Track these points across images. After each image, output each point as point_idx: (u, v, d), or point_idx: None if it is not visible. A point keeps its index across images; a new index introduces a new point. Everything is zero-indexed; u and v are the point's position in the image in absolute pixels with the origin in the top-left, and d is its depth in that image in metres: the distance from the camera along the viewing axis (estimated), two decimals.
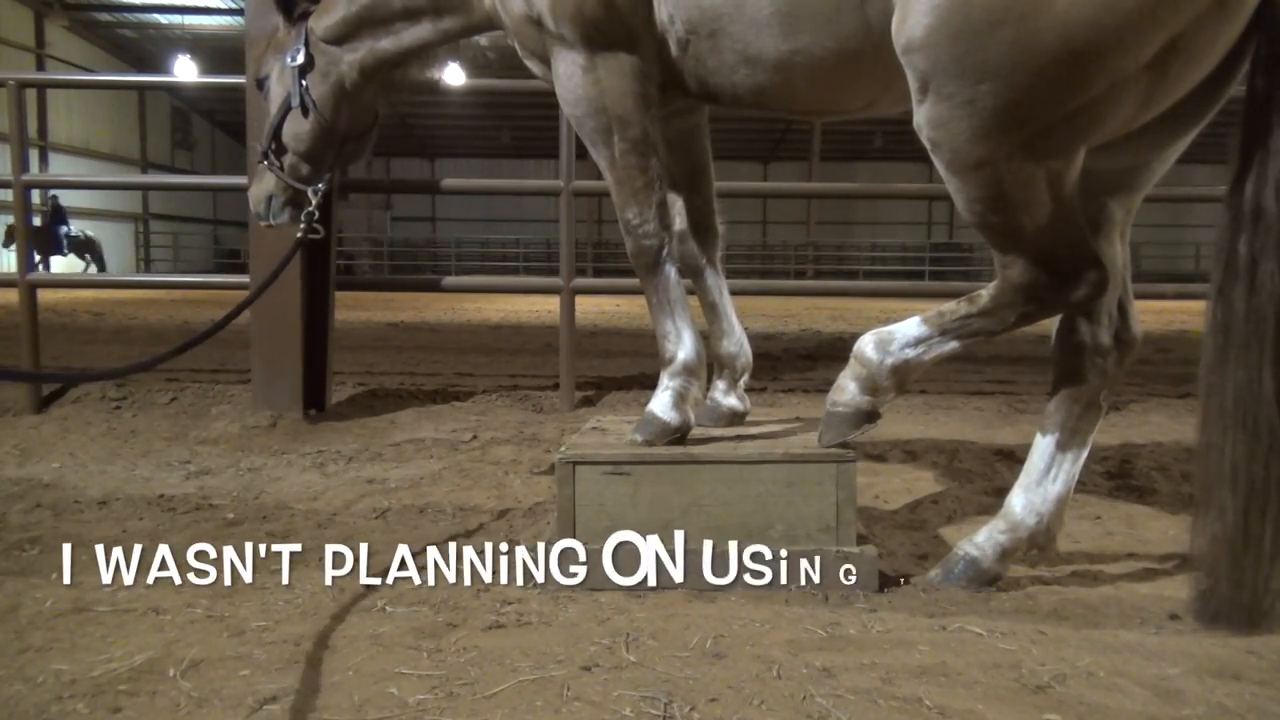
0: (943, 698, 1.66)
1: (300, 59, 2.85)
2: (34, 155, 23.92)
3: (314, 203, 3.05)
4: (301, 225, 3.07)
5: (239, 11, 23.85)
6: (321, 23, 2.84)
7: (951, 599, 2.16)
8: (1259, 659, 1.84)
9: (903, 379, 2.20)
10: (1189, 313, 12.17)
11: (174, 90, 29.61)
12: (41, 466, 3.62)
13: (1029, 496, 2.26)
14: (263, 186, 3.08)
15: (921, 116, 2.00)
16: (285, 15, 2.92)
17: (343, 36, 2.83)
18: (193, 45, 27.26)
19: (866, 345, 2.22)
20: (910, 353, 2.17)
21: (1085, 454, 2.27)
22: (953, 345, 2.16)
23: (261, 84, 3.02)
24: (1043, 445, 2.27)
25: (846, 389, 2.24)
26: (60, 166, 25.14)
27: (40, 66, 24.55)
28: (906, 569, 2.39)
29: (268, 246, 4.43)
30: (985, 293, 2.13)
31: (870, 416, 2.23)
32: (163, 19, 26.92)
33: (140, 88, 27.42)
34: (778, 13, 2.15)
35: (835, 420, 2.24)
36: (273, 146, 3.00)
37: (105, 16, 27.15)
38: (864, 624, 2.00)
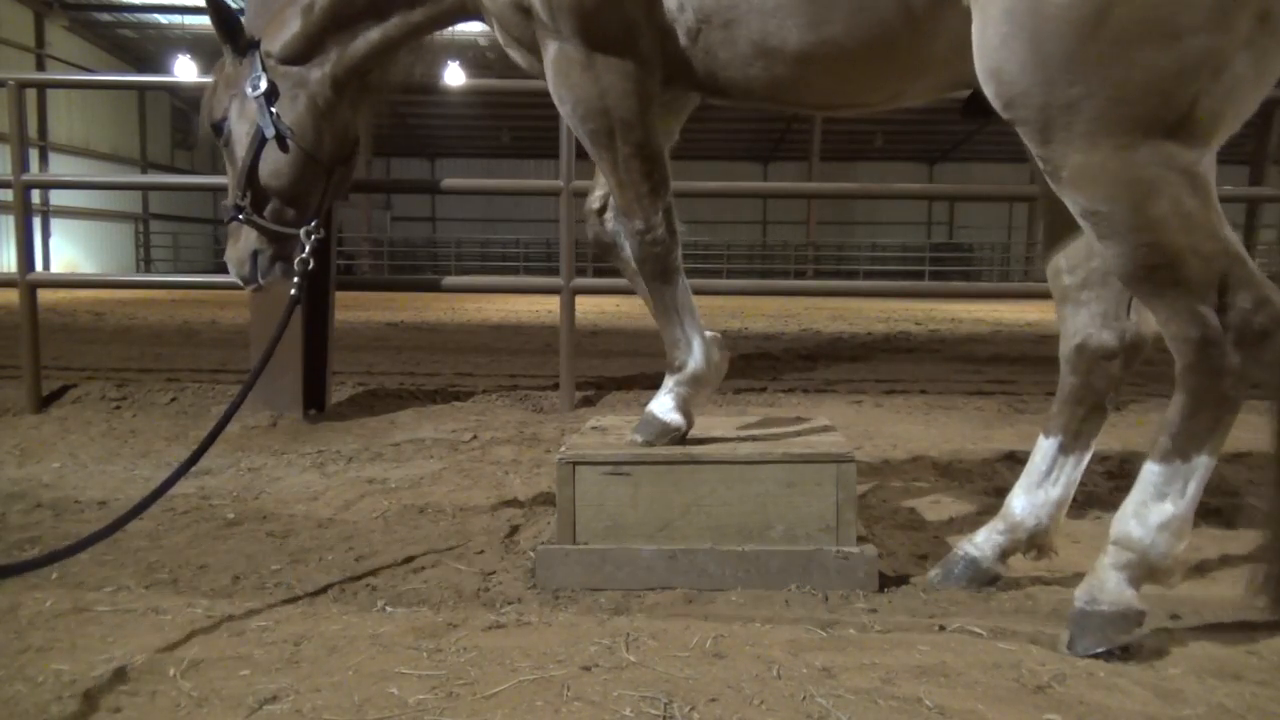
0: (943, 698, 1.66)
1: (263, 86, 2.57)
2: (34, 155, 23.92)
3: (309, 249, 2.68)
4: (296, 279, 2.69)
5: (239, 12, 23.80)
6: (276, 43, 2.59)
7: (951, 599, 2.16)
8: (1259, 659, 1.84)
9: (1181, 537, 1.86)
10: None
11: (174, 90, 29.55)
12: (41, 466, 3.62)
13: (1029, 498, 2.25)
14: (243, 245, 2.71)
15: (1032, 144, 1.85)
16: (232, 45, 2.64)
17: (305, 52, 2.59)
18: (193, 45, 27.25)
19: (1127, 524, 1.88)
20: (1173, 499, 1.85)
21: (1088, 458, 2.25)
22: (1205, 461, 1.84)
23: (219, 129, 2.70)
24: (1045, 447, 2.25)
25: (1108, 585, 1.88)
26: (60, 166, 25.14)
27: (40, 66, 24.55)
28: (906, 569, 2.38)
29: None
30: (1180, 384, 1.84)
31: (1141, 617, 1.86)
32: (163, 19, 26.91)
33: (140, 88, 27.36)
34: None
35: (1094, 623, 1.87)
36: (246, 196, 2.66)
37: (105, 16, 27.15)
38: (864, 624, 2.00)
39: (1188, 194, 1.76)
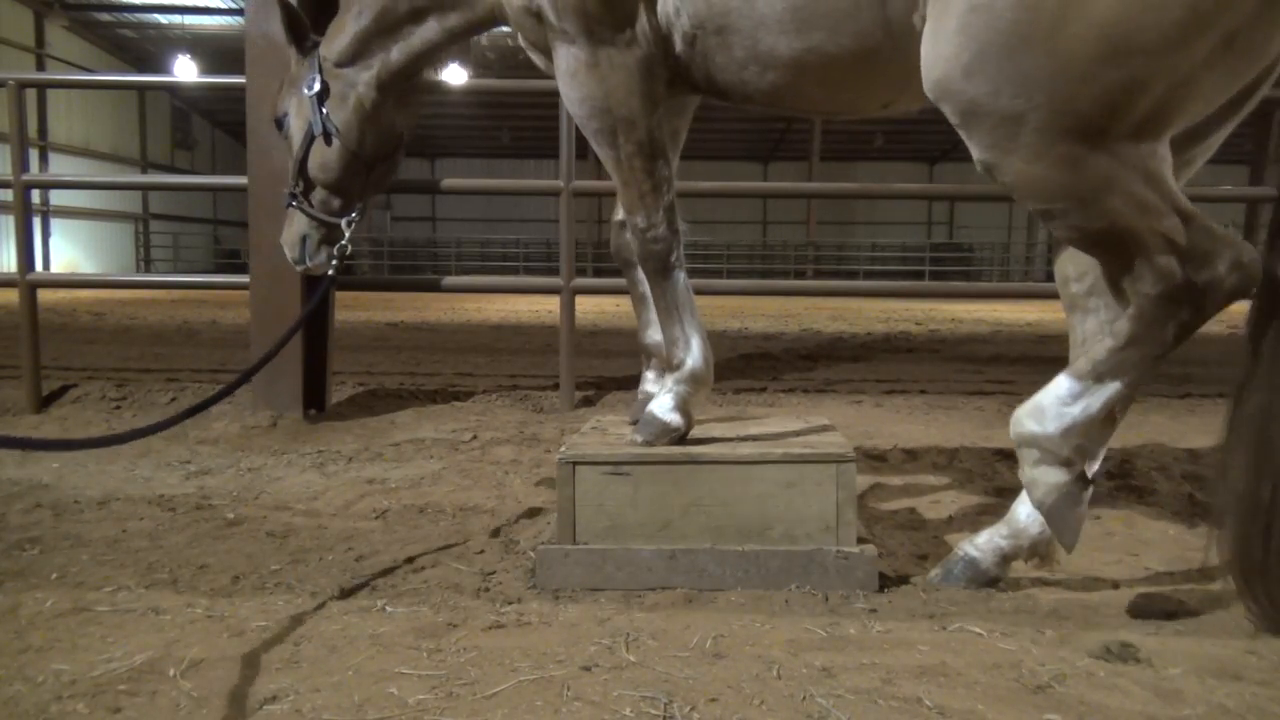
0: (943, 698, 1.66)
1: (316, 87, 2.81)
2: (34, 155, 23.93)
3: (347, 236, 2.94)
4: (334, 260, 2.95)
5: (239, 11, 23.84)
6: (333, 47, 2.81)
7: (951, 599, 2.16)
8: (1259, 659, 1.83)
9: (1083, 441, 1.95)
10: None
11: (174, 90, 29.62)
12: (41, 466, 3.62)
13: None
14: (295, 229, 2.98)
15: (978, 153, 1.90)
16: (297, 47, 2.88)
17: (355, 55, 2.80)
18: (193, 45, 27.27)
19: (1023, 425, 1.99)
20: (1075, 409, 1.93)
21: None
22: (1118, 386, 1.91)
23: (280, 124, 2.97)
24: None
25: (1037, 479, 1.99)
26: (60, 166, 25.15)
27: (40, 66, 24.56)
28: (906, 569, 2.38)
29: (267, 246, 4.43)
30: (1125, 321, 1.91)
31: (1082, 484, 1.98)
32: (163, 19, 26.93)
33: (140, 88, 27.39)
34: (790, 8, 2.07)
35: (1054, 515, 1.99)
36: (300, 185, 2.92)
37: (105, 16, 27.16)
38: (864, 624, 2.00)
39: (1140, 183, 1.81)
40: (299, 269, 3.03)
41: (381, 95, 2.83)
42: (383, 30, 2.75)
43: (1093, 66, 1.73)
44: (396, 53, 2.77)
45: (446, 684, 1.72)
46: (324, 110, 2.82)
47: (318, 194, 2.93)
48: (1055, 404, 1.96)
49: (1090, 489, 2.00)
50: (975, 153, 1.90)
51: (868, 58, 2.08)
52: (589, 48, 2.29)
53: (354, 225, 2.95)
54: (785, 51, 2.14)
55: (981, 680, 1.73)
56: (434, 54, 2.80)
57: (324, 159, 2.88)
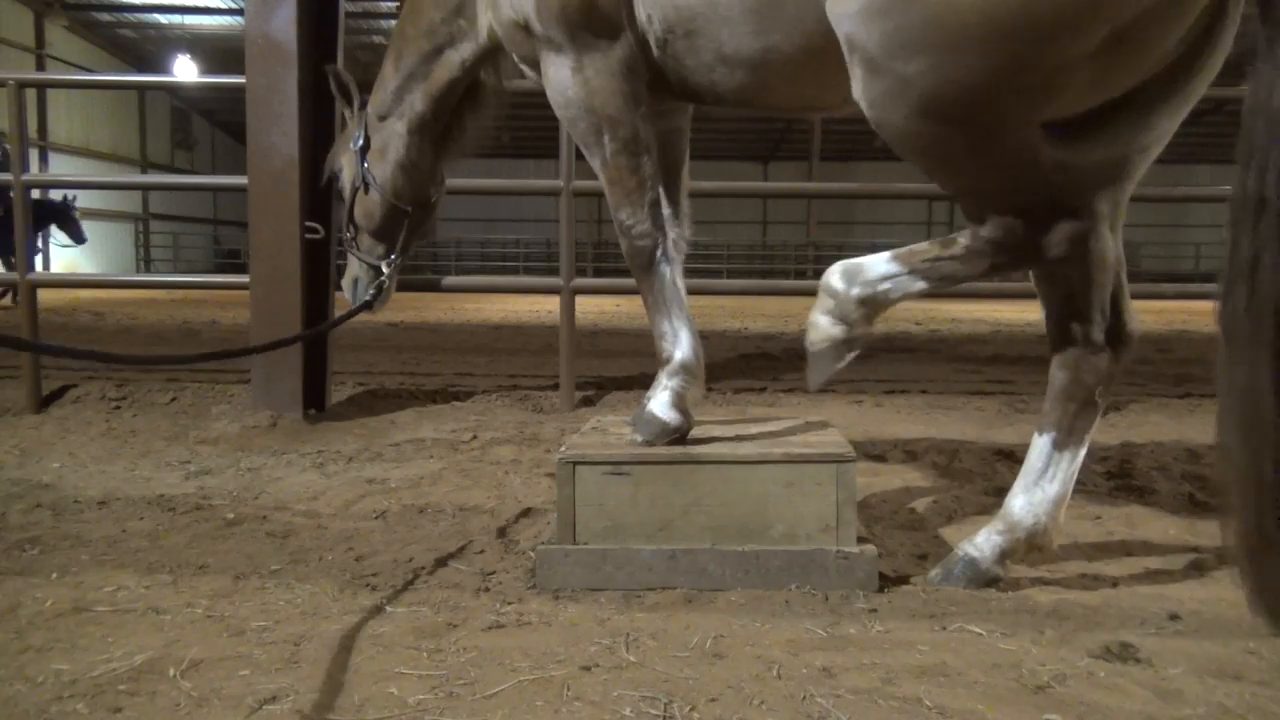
0: (943, 698, 1.66)
1: (360, 142, 3.03)
2: (34, 155, 23.93)
3: (385, 274, 3.18)
4: (371, 293, 3.19)
5: (239, 11, 23.85)
6: (376, 101, 2.98)
7: (951, 599, 2.16)
8: (1259, 659, 1.83)
9: (871, 311, 2.12)
10: (1189, 312, 12.17)
11: (174, 90, 29.61)
12: (41, 466, 3.62)
13: (1027, 497, 2.25)
14: (350, 273, 3.26)
15: (859, 94, 2.00)
16: (347, 104, 3.10)
17: (391, 107, 2.96)
18: (193, 45, 27.28)
19: (833, 276, 2.14)
20: (880, 286, 2.09)
21: (1083, 453, 2.25)
22: (921, 285, 2.08)
23: (336, 179, 3.19)
24: (1040, 445, 2.25)
25: (819, 325, 2.17)
26: (60, 166, 25.14)
27: (40, 66, 24.56)
28: (906, 569, 2.38)
29: (267, 246, 4.43)
30: (959, 238, 2.07)
31: (849, 345, 2.14)
32: (163, 19, 26.92)
33: (140, 88, 27.42)
34: (748, 11, 2.15)
35: (816, 359, 2.18)
36: (351, 233, 3.17)
37: (105, 16, 27.16)
38: (864, 624, 2.00)
39: (1004, 152, 1.93)
40: (359, 310, 3.25)
41: (413, 141, 2.97)
42: (410, 75, 2.89)
43: (977, 43, 1.81)
44: (420, 95, 2.91)
45: (446, 684, 1.72)
46: (364, 163, 3.03)
47: (364, 240, 3.18)
48: (867, 274, 2.10)
49: (855, 352, 2.16)
50: (866, 109, 2.01)
51: (821, 55, 2.14)
52: (573, 53, 2.38)
53: (393, 267, 3.17)
54: (748, 53, 2.21)
55: (981, 680, 1.73)
56: (455, 91, 2.91)
57: (365, 207, 3.10)
